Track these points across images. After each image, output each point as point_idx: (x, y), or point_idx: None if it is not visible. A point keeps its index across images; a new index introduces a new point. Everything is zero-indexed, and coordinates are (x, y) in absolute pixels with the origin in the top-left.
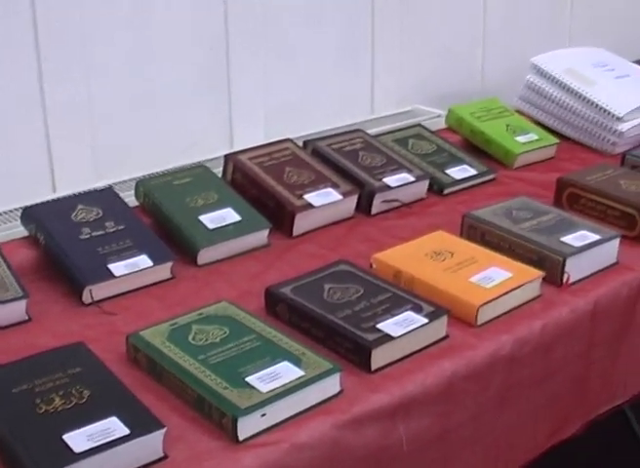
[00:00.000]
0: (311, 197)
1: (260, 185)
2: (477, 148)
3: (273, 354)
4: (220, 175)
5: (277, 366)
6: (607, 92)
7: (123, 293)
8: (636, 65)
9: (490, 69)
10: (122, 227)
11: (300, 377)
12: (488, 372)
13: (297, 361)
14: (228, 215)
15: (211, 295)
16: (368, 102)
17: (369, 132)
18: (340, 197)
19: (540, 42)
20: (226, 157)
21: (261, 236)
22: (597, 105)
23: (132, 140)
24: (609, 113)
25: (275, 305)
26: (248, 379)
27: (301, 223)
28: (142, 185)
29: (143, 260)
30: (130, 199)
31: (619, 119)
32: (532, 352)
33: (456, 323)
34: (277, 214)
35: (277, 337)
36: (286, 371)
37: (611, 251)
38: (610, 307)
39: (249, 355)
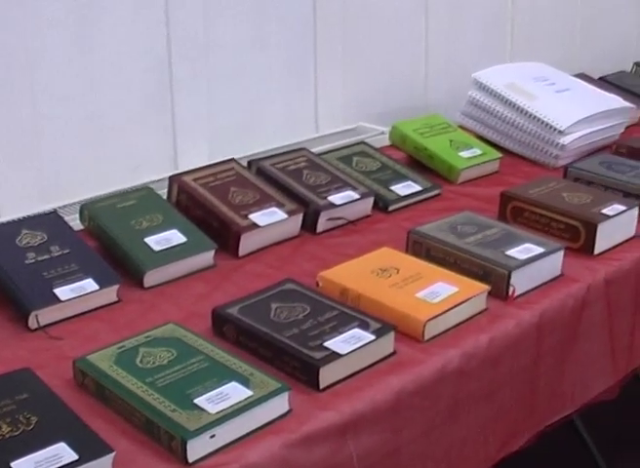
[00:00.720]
0: (256, 217)
1: (204, 206)
2: (421, 164)
3: (221, 375)
4: (164, 197)
5: (225, 386)
6: (548, 105)
7: (69, 318)
8: (576, 79)
9: (433, 86)
10: (67, 251)
11: (248, 397)
12: (436, 387)
13: (245, 381)
14: (174, 237)
15: (158, 318)
16: (312, 121)
17: (314, 150)
18: (285, 216)
19: (481, 58)
20: (171, 178)
21: (207, 257)
22: (539, 119)
23: (76, 164)
24: (551, 127)
25: (222, 326)
26: (196, 401)
27: (247, 243)
28: (87, 209)
29: (89, 284)
30: (75, 222)
31: (560, 132)
32: (479, 366)
33: (403, 339)
34: (223, 234)
35: (225, 358)
36: (234, 392)
37: (555, 263)
38: (555, 319)
39: (197, 376)
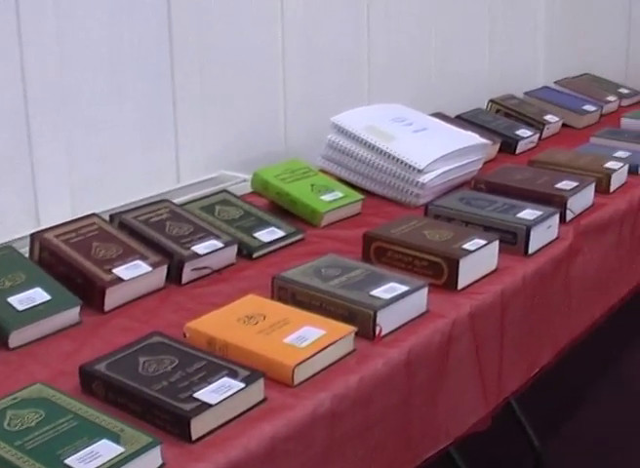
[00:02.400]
0: (120, 271)
1: (67, 262)
2: (284, 210)
3: (91, 433)
4: (26, 255)
5: (96, 444)
6: (407, 146)
7: None
8: (433, 118)
9: (292, 131)
10: None
11: (120, 454)
12: (309, 431)
13: (115, 438)
14: (37, 295)
15: (25, 378)
16: (174, 172)
17: (176, 200)
18: (149, 269)
19: (340, 101)
20: (32, 236)
21: (73, 314)
22: (398, 159)
23: None
24: (410, 166)
25: (91, 383)
26: (67, 461)
27: (112, 298)
28: None
29: None
30: None
31: (420, 171)
32: (351, 406)
33: (273, 385)
34: (87, 290)
35: (94, 416)
36: (105, 450)
37: (420, 300)
38: (423, 355)
39: (66, 436)
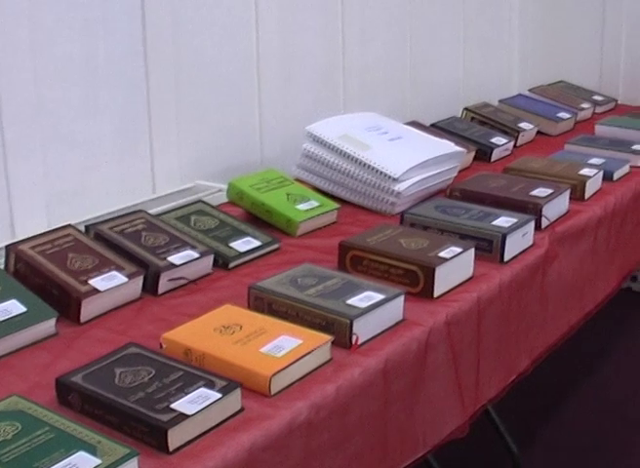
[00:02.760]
0: (96, 282)
1: (43, 274)
2: (260, 219)
3: (68, 445)
4: (2, 267)
5: (73, 457)
6: (382, 154)
7: None
8: (408, 127)
9: (268, 141)
10: None
11: (97, 466)
12: (286, 441)
13: (92, 450)
14: (13, 307)
15: (1, 391)
16: (149, 182)
17: (152, 211)
18: (125, 279)
19: (315, 110)
20: (7, 248)
21: (49, 325)
22: (373, 168)
23: None
24: (385, 175)
25: (67, 395)
26: None
27: (88, 309)
28: None
29: None
30: None
31: (395, 180)
32: (328, 416)
33: (250, 395)
34: (63, 301)
35: (71, 428)
36: (82, 462)
37: (396, 308)
38: (400, 363)
39: (43, 449)
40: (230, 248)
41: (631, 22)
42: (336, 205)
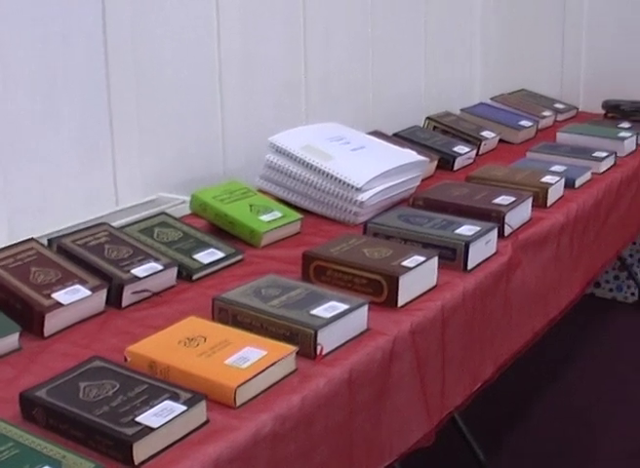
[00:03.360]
0: (59, 295)
1: (5, 288)
2: (223, 231)
3: (33, 461)
4: None
5: None
6: (344, 164)
7: None
8: (371, 137)
9: (231, 152)
10: None
11: None
12: (252, 452)
13: (57, 465)
14: None
15: None
16: (112, 195)
17: (115, 224)
18: (88, 293)
19: (278, 121)
20: None
21: (12, 340)
22: (336, 178)
23: None
24: (348, 185)
25: (31, 410)
26: None
27: (52, 323)
28: None
29: None
30: None
31: (358, 189)
32: (294, 427)
33: (216, 407)
34: (26, 315)
35: (36, 443)
36: None
37: (360, 318)
38: (365, 373)
39: (8, 465)
40: (194, 259)
41: (591, 32)
42: (299, 215)
